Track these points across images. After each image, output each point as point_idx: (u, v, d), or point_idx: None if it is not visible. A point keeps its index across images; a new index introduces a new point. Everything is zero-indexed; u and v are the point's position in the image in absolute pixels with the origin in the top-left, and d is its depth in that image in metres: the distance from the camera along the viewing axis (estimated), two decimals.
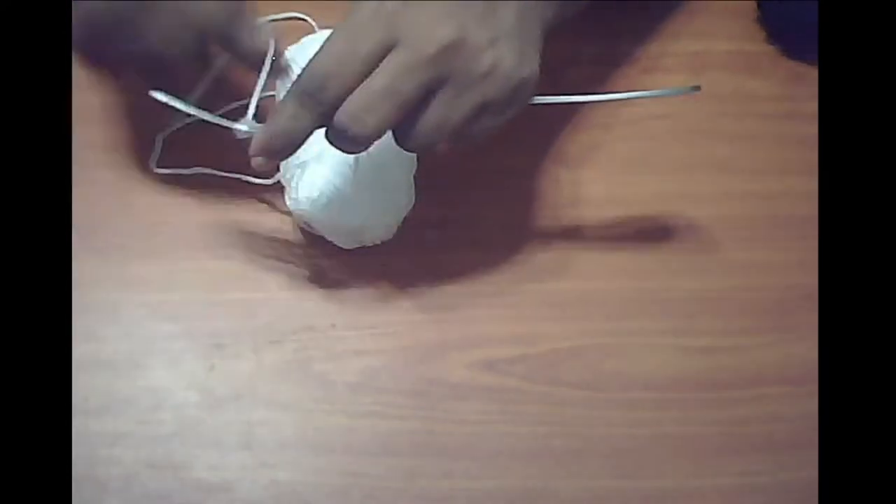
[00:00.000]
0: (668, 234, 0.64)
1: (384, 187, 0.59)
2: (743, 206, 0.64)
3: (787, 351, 0.61)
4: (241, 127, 0.55)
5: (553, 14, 0.55)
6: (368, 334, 0.59)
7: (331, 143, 0.52)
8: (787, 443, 0.59)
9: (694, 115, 0.67)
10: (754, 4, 0.70)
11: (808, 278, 0.61)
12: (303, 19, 0.66)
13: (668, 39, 0.69)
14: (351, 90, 0.50)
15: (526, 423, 0.58)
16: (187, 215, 0.61)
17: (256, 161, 0.53)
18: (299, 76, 0.51)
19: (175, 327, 0.59)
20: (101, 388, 0.57)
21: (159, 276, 0.60)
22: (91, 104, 0.62)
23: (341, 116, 0.51)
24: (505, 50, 0.52)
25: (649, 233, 0.63)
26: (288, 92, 0.52)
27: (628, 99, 0.58)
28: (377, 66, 0.50)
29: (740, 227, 0.64)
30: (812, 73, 0.68)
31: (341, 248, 0.60)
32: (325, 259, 0.61)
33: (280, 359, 0.58)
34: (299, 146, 0.53)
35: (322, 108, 0.51)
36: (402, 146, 0.53)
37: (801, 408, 0.59)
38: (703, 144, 0.66)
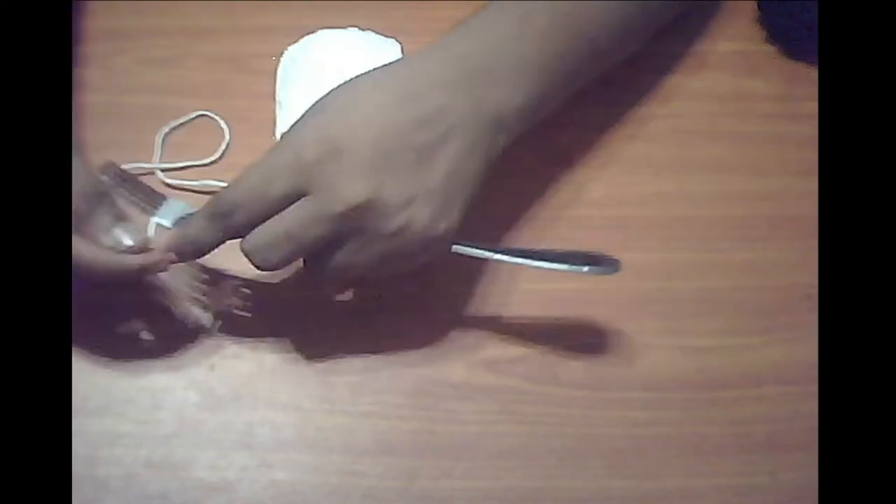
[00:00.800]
0: (667, 235, 0.64)
1: None
2: (743, 206, 0.64)
3: (787, 351, 0.61)
4: (162, 221, 0.57)
5: (507, 136, 0.56)
6: (369, 334, 0.59)
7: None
8: (787, 443, 0.59)
9: (694, 115, 0.67)
10: (754, 4, 0.70)
11: (808, 278, 0.61)
12: (209, 116, 0.64)
13: (668, 39, 0.69)
14: (256, 223, 0.53)
15: (526, 423, 0.58)
16: None
17: (165, 255, 0.55)
18: (212, 199, 0.53)
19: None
20: (101, 388, 0.57)
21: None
22: (91, 104, 0.62)
23: (246, 246, 0.53)
24: (421, 208, 0.53)
25: (649, 233, 0.63)
26: (203, 207, 0.54)
27: (550, 270, 0.57)
28: (285, 206, 0.52)
29: (740, 227, 0.64)
30: (812, 73, 0.68)
31: None
32: None
33: (280, 359, 0.58)
34: (205, 254, 0.55)
35: (228, 232, 0.54)
36: (311, 277, 0.55)
37: (801, 408, 0.59)
38: (703, 144, 0.66)
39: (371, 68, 0.55)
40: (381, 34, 0.66)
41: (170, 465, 0.55)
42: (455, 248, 0.56)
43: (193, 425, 0.57)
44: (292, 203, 0.52)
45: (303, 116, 0.54)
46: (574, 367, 0.60)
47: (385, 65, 0.56)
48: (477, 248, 0.56)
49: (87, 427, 0.56)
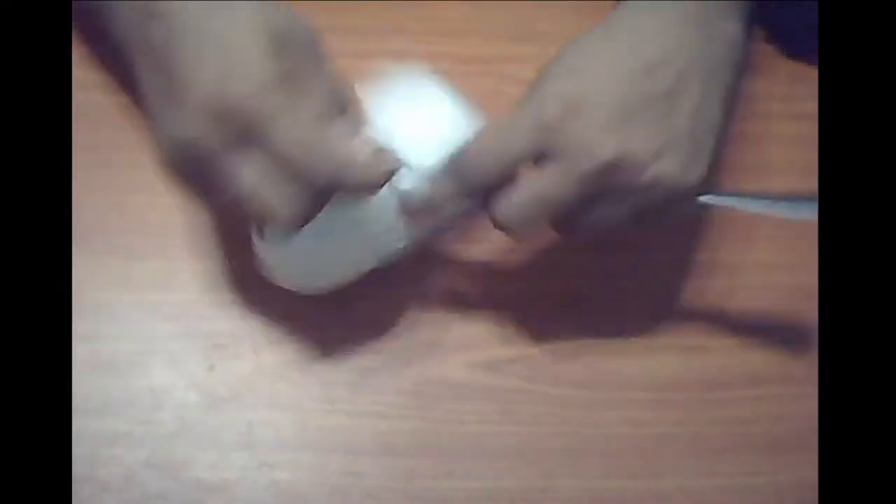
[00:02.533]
0: (667, 235, 0.64)
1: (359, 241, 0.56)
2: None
3: (787, 351, 0.61)
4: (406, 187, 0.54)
5: (738, 72, 0.55)
6: (369, 334, 0.59)
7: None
8: (787, 443, 0.59)
9: None
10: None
11: (808, 278, 0.61)
12: None
13: None
14: (492, 185, 0.52)
15: (526, 423, 0.58)
16: (187, 215, 0.61)
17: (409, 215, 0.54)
18: (453, 155, 0.52)
19: (175, 327, 0.59)
20: (101, 388, 0.57)
21: (159, 276, 0.60)
22: (91, 104, 0.62)
23: (498, 215, 0.52)
24: (670, 158, 0.51)
25: (648, 233, 0.63)
26: (440, 166, 0.53)
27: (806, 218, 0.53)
28: (524, 167, 0.51)
29: (740, 227, 0.64)
30: (812, 73, 0.68)
31: None
32: None
33: (280, 359, 0.58)
34: (439, 215, 0.54)
35: (464, 191, 0.53)
36: (559, 235, 0.55)
37: (801, 408, 0.59)
38: None
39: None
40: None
41: (170, 465, 0.55)
42: (702, 198, 0.53)
43: (193, 425, 0.57)
44: (530, 163, 0.51)
45: (539, 79, 0.53)
46: (574, 367, 0.60)
47: (605, 21, 0.54)
48: (723, 195, 0.55)
49: (87, 427, 0.55)
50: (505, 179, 0.52)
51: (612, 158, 0.50)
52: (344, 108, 0.51)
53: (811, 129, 0.59)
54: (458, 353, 0.59)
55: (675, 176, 0.52)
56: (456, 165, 0.52)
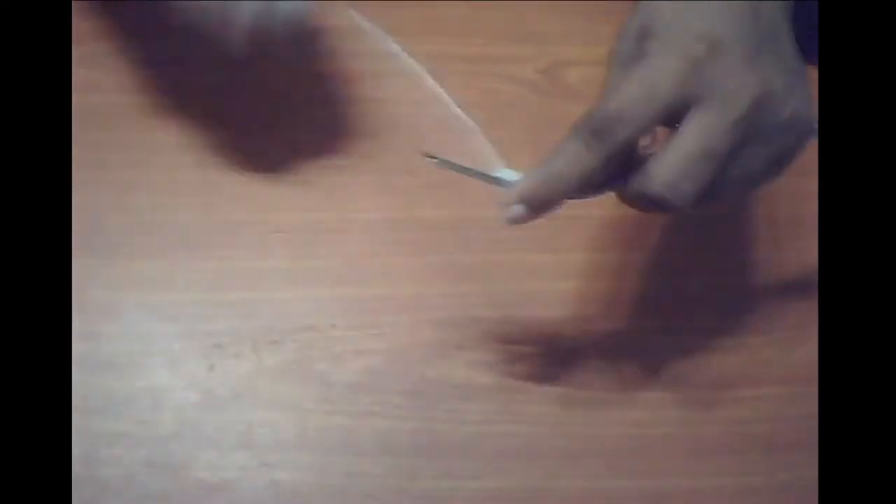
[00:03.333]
0: (667, 234, 0.64)
1: None
2: (743, 207, 0.64)
3: (787, 351, 0.61)
4: (508, 176, 0.49)
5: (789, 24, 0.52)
6: (368, 334, 0.59)
7: (630, 205, 0.49)
8: (787, 443, 0.59)
9: None
10: None
11: (808, 278, 0.61)
12: None
13: None
14: (641, 137, 0.47)
15: (526, 423, 0.58)
16: (187, 215, 0.61)
17: (514, 212, 0.48)
18: (585, 116, 0.47)
19: (175, 327, 0.59)
20: (101, 388, 0.57)
21: (159, 276, 0.60)
22: (91, 104, 0.62)
23: (656, 186, 0.47)
24: (798, 95, 0.49)
25: (649, 233, 0.63)
26: (570, 133, 0.47)
27: None
28: (672, 116, 0.47)
29: (740, 227, 0.64)
30: (812, 74, 0.68)
31: (341, 249, 0.61)
32: (325, 259, 0.61)
33: (280, 359, 0.58)
34: (571, 195, 0.48)
35: (608, 151, 0.47)
36: (703, 201, 0.48)
37: (801, 408, 0.59)
38: None
39: None
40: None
41: (170, 465, 0.55)
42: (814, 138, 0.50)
43: (193, 425, 0.57)
44: (679, 112, 0.46)
45: (659, 22, 0.49)
46: (574, 368, 0.60)
47: None
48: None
49: (87, 427, 0.55)
50: (646, 134, 0.47)
51: (760, 96, 0.47)
52: None
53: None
54: (458, 353, 0.59)
55: (806, 109, 0.49)
56: (598, 123, 0.47)
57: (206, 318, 0.59)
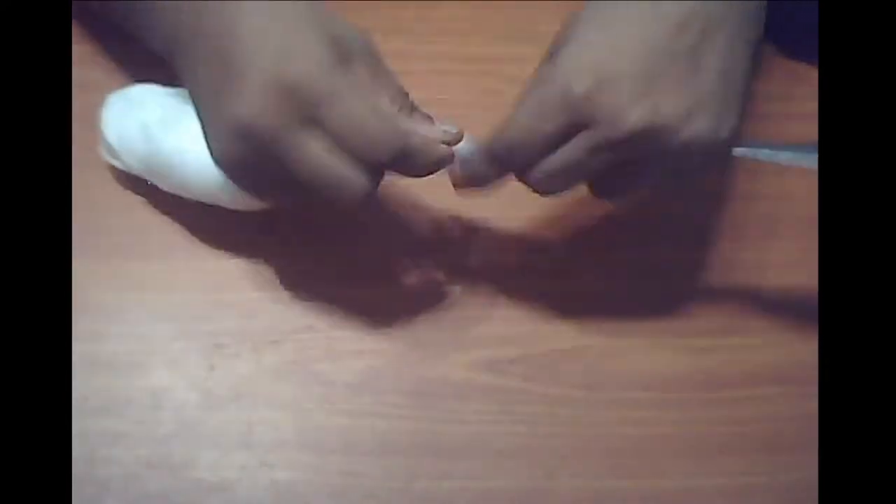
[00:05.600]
0: (667, 234, 0.64)
1: None
2: (743, 206, 0.64)
3: (787, 351, 0.61)
4: (464, 149, 0.54)
5: (761, 20, 0.55)
6: (368, 334, 0.59)
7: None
8: (787, 443, 0.59)
9: None
10: None
11: (808, 278, 0.61)
12: None
13: None
14: (535, 161, 0.52)
15: (526, 423, 0.58)
16: (187, 215, 0.61)
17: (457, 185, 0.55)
18: (491, 141, 0.53)
19: (175, 327, 0.59)
20: (101, 388, 0.57)
21: (159, 276, 0.60)
22: (91, 104, 0.62)
23: (532, 179, 0.53)
24: (702, 117, 0.51)
25: (648, 233, 0.63)
26: (479, 152, 0.53)
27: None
28: (561, 140, 0.52)
29: (740, 227, 0.64)
30: (812, 73, 0.68)
31: (341, 249, 0.61)
32: (325, 259, 0.61)
33: (280, 359, 0.58)
34: (486, 189, 0.55)
35: (508, 171, 0.54)
36: (596, 196, 0.55)
37: (801, 408, 0.59)
38: None
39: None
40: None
41: (170, 465, 0.55)
42: (735, 150, 0.54)
43: (193, 425, 0.57)
44: (568, 134, 0.51)
45: (560, 49, 0.53)
46: (574, 367, 0.60)
47: None
48: (758, 147, 0.55)
49: (87, 427, 0.56)
50: (543, 156, 0.52)
51: (644, 126, 0.50)
52: (406, 103, 0.52)
53: (811, 129, 0.59)
54: (458, 353, 0.59)
55: (709, 134, 0.51)
56: (493, 150, 0.53)
57: (206, 318, 0.59)
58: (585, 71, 0.51)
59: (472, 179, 0.55)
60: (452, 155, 0.52)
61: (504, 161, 0.53)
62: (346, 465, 0.56)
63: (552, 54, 0.53)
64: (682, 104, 0.51)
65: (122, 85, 0.61)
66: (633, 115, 0.50)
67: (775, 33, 0.69)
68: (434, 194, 0.62)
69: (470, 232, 0.62)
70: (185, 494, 0.55)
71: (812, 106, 0.58)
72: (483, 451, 0.57)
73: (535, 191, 0.54)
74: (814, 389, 0.48)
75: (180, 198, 0.59)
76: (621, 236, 0.63)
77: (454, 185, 0.55)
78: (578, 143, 0.51)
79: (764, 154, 0.55)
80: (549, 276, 0.61)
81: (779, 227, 0.64)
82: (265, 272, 0.60)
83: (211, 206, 0.57)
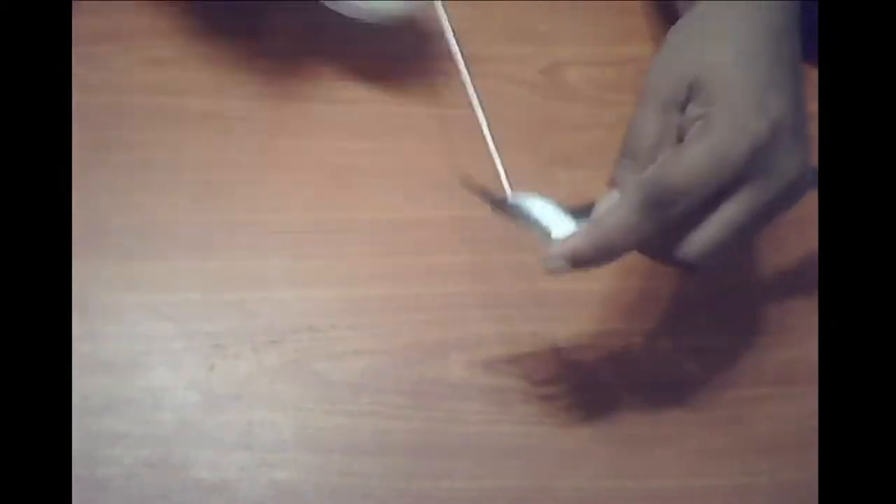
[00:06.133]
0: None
1: None
2: None
3: (787, 351, 0.61)
4: (559, 233, 0.49)
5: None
6: (368, 334, 0.59)
7: (651, 258, 0.50)
8: (787, 443, 0.59)
9: None
10: None
11: (808, 279, 0.61)
12: None
13: None
14: (699, 213, 0.48)
15: (526, 423, 0.58)
16: (187, 215, 0.61)
17: (557, 265, 0.48)
18: (645, 185, 0.47)
19: (175, 327, 0.59)
20: (101, 388, 0.57)
21: (159, 276, 0.60)
22: (91, 104, 0.62)
23: (692, 255, 0.48)
24: (809, 157, 0.50)
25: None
26: (628, 196, 0.47)
27: None
28: (727, 189, 0.47)
29: None
30: (812, 74, 0.68)
31: (341, 248, 0.61)
32: (325, 259, 0.61)
33: (280, 359, 0.58)
34: (618, 258, 0.48)
35: (665, 223, 0.47)
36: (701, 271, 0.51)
37: (801, 408, 0.59)
38: None
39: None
40: None
41: (170, 465, 0.55)
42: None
43: (193, 425, 0.57)
44: (721, 194, 0.47)
45: (720, 80, 0.49)
46: (574, 368, 0.60)
47: (719, 28, 0.51)
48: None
49: (87, 427, 0.55)
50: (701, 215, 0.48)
51: (800, 174, 0.48)
52: None
53: (811, 129, 0.59)
54: (458, 353, 0.59)
55: (809, 170, 0.50)
56: (657, 197, 0.47)
57: (206, 318, 0.59)
58: (771, 122, 0.48)
59: (610, 242, 0.48)
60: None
61: (665, 210, 0.47)
62: (346, 464, 0.56)
63: (698, 80, 0.49)
64: (804, 148, 0.50)
65: (123, 85, 0.61)
66: (796, 164, 0.48)
67: None
68: (433, 198, 0.62)
69: (469, 232, 0.62)
70: (185, 494, 0.55)
71: (812, 106, 0.58)
72: (483, 451, 0.57)
73: (691, 268, 0.49)
74: (814, 389, 0.48)
75: (180, 198, 0.59)
76: None
77: (561, 256, 0.49)
78: (743, 200, 0.47)
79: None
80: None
81: (779, 227, 0.64)
82: (265, 272, 0.60)
83: (211, 205, 0.58)
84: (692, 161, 0.47)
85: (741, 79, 0.49)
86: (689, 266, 0.48)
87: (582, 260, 0.48)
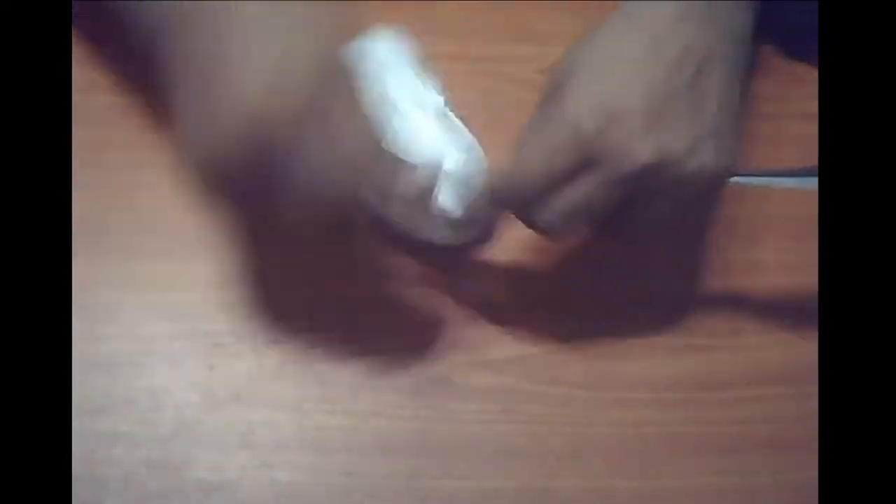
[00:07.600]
0: (667, 234, 0.63)
1: None
2: (743, 206, 0.64)
3: (787, 351, 0.61)
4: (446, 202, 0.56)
5: (746, 65, 0.57)
6: (369, 334, 0.59)
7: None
8: (787, 443, 0.59)
9: None
10: None
11: (808, 278, 0.61)
12: None
13: None
14: (542, 199, 0.53)
15: (526, 423, 0.58)
16: (187, 215, 0.61)
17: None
18: (497, 181, 0.55)
19: (175, 327, 0.59)
20: (101, 388, 0.57)
21: (159, 276, 0.60)
22: (91, 104, 0.62)
23: (542, 222, 0.54)
24: (706, 149, 0.53)
25: (647, 233, 0.63)
26: (484, 193, 0.56)
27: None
28: (569, 179, 0.53)
29: (739, 227, 0.64)
30: (812, 73, 0.68)
31: (341, 249, 0.61)
32: (325, 259, 0.61)
33: (280, 359, 0.58)
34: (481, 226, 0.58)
35: (513, 210, 0.55)
36: (600, 234, 0.57)
37: (801, 408, 0.59)
38: None
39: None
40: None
41: (170, 465, 0.55)
42: (733, 179, 0.55)
43: (193, 425, 0.57)
44: (575, 172, 0.53)
45: (562, 87, 0.54)
46: (574, 367, 0.60)
47: (612, 23, 0.56)
48: (754, 175, 0.57)
49: (87, 427, 0.56)
50: (548, 192, 0.53)
51: (652, 161, 0.52)
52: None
53: (811, 129, 0.59)
54: (458, 353, 0.59)
55: (713, 164, 0.53)
56: (504, 194, 0.54)
57: (206, 318, 0.59)
58: (595, 109, 0.52)
59: (474, 226, 0.56)
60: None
61: (508, 200, 0.54)
62: (347, 464, 0.56)
63: (553, 93, 0.54)
64: (686, 137, 0.53)
65: (123, 85, 0.61)
66: (643, 150, 0.52)
67: (775, 33, 0.69)
68: None
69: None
70: (185, 494, 0.55)
71: (812, 106, 0.58)
72: (483, 451, 0.57)
73: (542, 233, 0.55)
74: (814, 389, 0.48)
75: (180, 198, 0.58)
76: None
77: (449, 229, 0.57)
78: (587, 179, 0.53)
79: (760, 181, 0.57)
80: (549, 277, 0.61)
81: (779, 226, 0.64)
82: (265, 272, 0.60)
83: (210, 206, 0.57)
84: (524, 159, 0.54)
85: (591, 78, 0.54)
86: (544, 231, 0.54)
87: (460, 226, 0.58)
